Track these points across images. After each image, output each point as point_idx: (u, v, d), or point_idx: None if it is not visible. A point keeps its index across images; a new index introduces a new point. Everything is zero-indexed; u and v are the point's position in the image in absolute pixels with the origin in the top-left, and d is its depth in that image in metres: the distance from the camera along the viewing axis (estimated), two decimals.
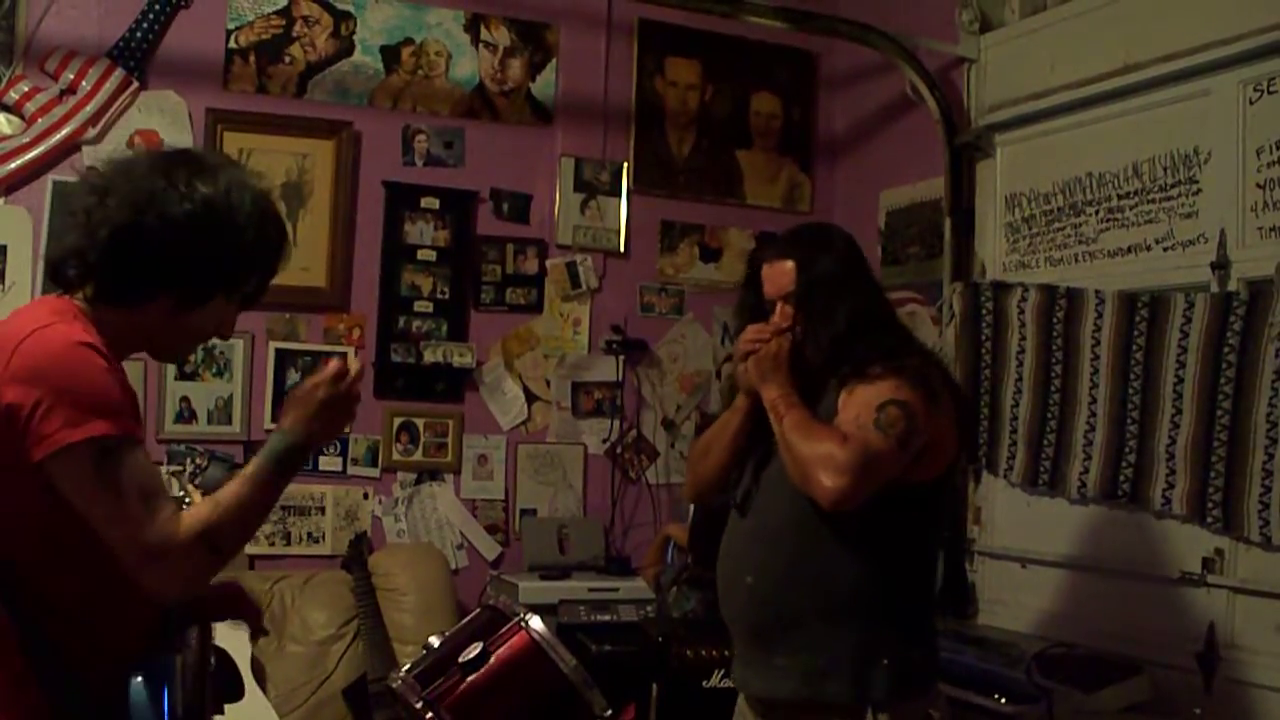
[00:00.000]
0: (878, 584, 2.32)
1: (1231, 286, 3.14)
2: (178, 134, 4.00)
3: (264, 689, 3.67)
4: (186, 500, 2.52)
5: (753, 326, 2.48)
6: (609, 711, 2.34)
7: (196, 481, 3.95)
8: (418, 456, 4.37)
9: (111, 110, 3.93)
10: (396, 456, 4.34)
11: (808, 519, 2.31)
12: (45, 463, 1.58)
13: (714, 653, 3.33)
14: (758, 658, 2.39)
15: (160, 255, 1.72)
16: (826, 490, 2.19)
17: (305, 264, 4.22)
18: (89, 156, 3.86)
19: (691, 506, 3.93)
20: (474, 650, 2.33)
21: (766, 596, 2.36)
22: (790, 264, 2.44)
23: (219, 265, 1.77)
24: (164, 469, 3.87)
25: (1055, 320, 3.57)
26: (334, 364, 1.81)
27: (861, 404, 2.27)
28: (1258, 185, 3.11)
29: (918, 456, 2.28)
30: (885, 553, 2.33)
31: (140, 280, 1.73)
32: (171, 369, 4.04)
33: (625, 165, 4.68)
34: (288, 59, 4.24)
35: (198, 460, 4.06)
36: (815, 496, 2.22)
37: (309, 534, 4.22)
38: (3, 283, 3.74)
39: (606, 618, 4.03)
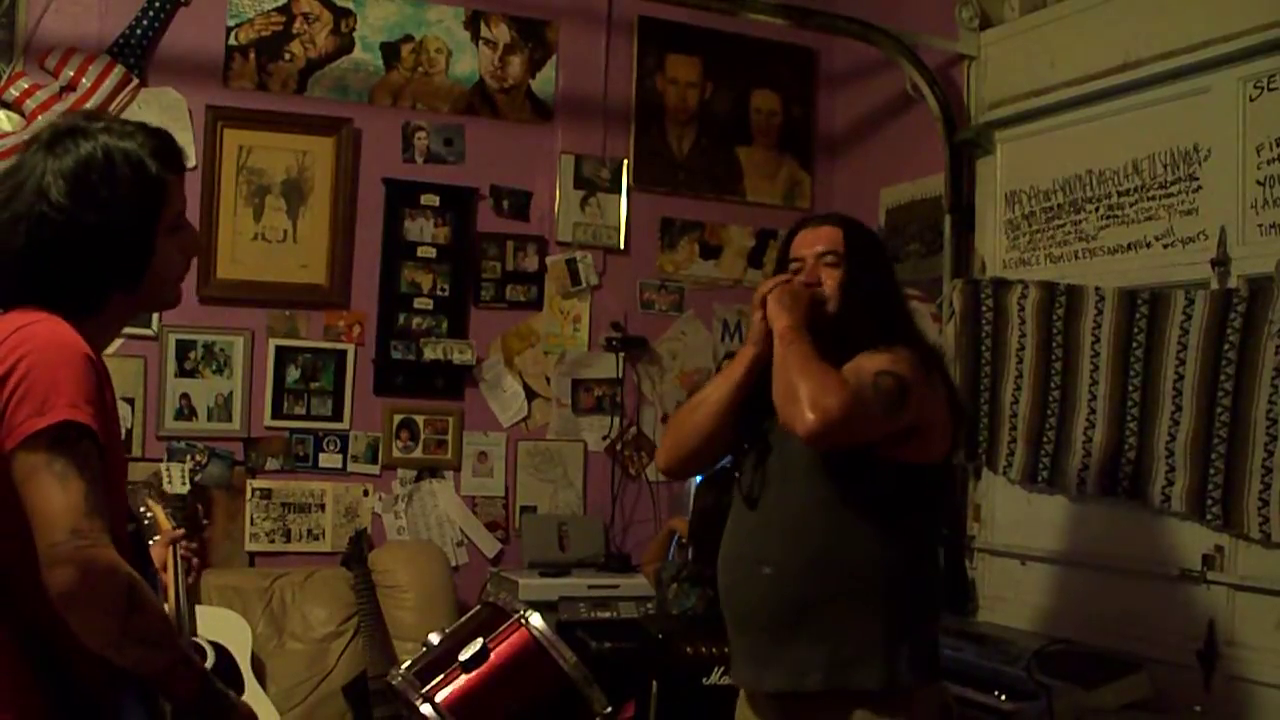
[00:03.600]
0: (896, 569, 2.33)
1: (1231, 283, 3.14)
2: (178, 131, 3.93)
3: (264, 686, 3.68)
4: (148, 515, 2.52)
5: (776, 276, 2.49)
6: (609, 709, 2.34)
7: (197, 478, 3.97)
8: (418, 453, 4.38)
9: (112, 107, 3.92)
10: (396, 454, 4.34)
11: (826, 506, 2.34)
12: (11, 454, 1.55)
13: (714, 650, 3.32)
14: (776, 651, 2.36)
15: (81, 224, 1.68)
16: (807, 423, 2.20)
17: (305, 261, 4.22)
18: None
19: (692, 501, 3.93)
20: (474, 647, 2.33)
21: (788, 585, 2.35)
22: (838, 231, 2.48)
23: (133, 205, 1.72)
24: (163, 465, 3.88)
25: (1055, 317, 3.57)
26: None
27: (862, 366, 2.31)
28: (1258, 182, 3.11)
29: (909, 435, 2.31)
30: (900, 537, 2.35)
31: (82, 268, 1.69)
32: (172, 366, 4.05)
33: (625, 162, 4.68)
34: (288, 56, 4.24)
35: (198, 457, 4.06)
36: (793, 423, 2.24)
37: (309, 531, 4.22)
38: None
39: (606, 615, 4.03)
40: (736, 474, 2.52)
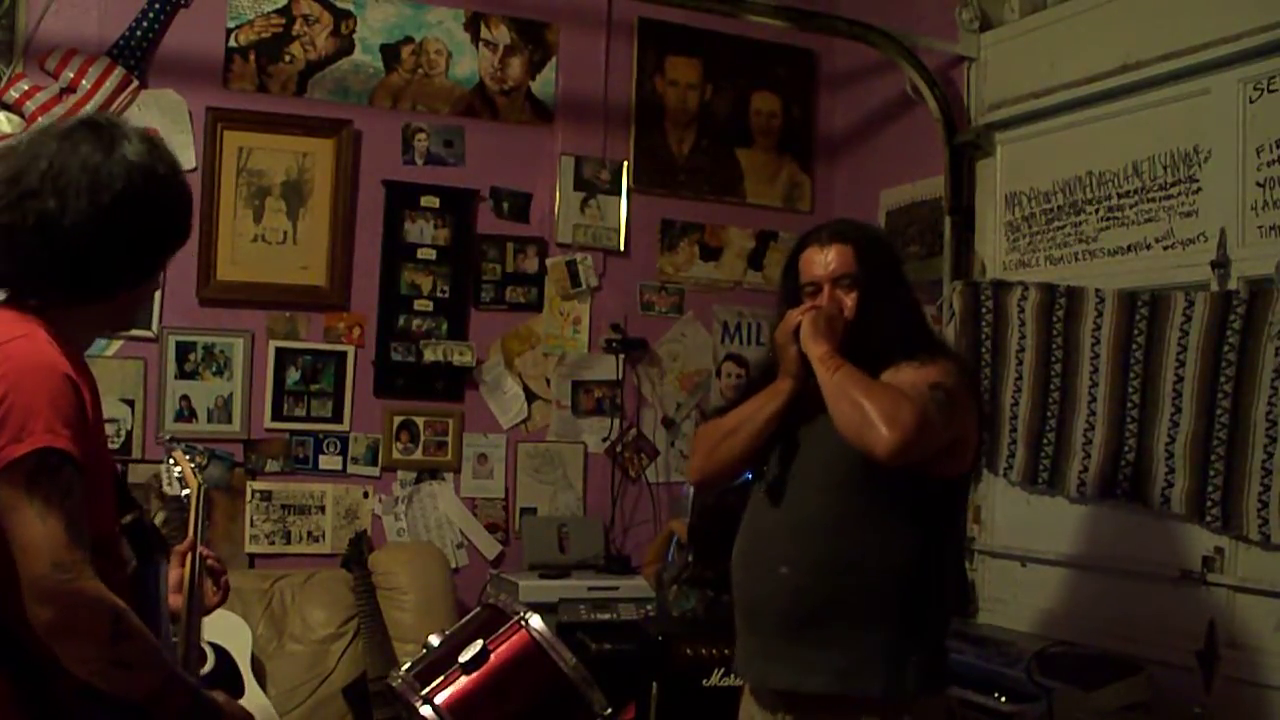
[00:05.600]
0: (911, 578, 2.34)
1: (1231, 285, 3.14)
2: (178, 133, 4.00)
3: (264, 687, 3.68)
4: (176, 469, 2.49)
5: (801, 306, 2.45)
6: (609, 710, 2.35)
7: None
8: (418, 455, 4.37)
9: (112, 109, 3.91)
10: (396, 455, 4.34)
11: (848, 512, 2.34)
12: None
13: (714, 651, 3.33)
14: (785, 650, 2.37)
15: (128, 227, 1.68)
16: (888, 440, 2.17)
17: (305, 263, 4.22)
18: None
19: (691, 503, 3.93)
20: (474, 649, 2.33)
21: (802, 588, 2.35)
22: (849, 249, 2.44)
23: (173, 217, 1.74)
24: (163, 467, 3.87)
25: (1055, 319, 3.57)
26: None
27: (912, 380, 2.30)
28: (1258, 184, 3.11)
29: (947, 450, 2.31)
30: (918, 547, 2.35)
31: (115, 266, 1.69)
32: (171, 368, 4.04)
33: (625, 164, 4.68)
34: (288, 58, 4.24)
35: (198, 459, 4.05)
36: (871, 445, 2.20)
37: (309, 532, 4.22)
38: None
39: (606, 616, 4.03)
40: (762, 468, 2.51)
